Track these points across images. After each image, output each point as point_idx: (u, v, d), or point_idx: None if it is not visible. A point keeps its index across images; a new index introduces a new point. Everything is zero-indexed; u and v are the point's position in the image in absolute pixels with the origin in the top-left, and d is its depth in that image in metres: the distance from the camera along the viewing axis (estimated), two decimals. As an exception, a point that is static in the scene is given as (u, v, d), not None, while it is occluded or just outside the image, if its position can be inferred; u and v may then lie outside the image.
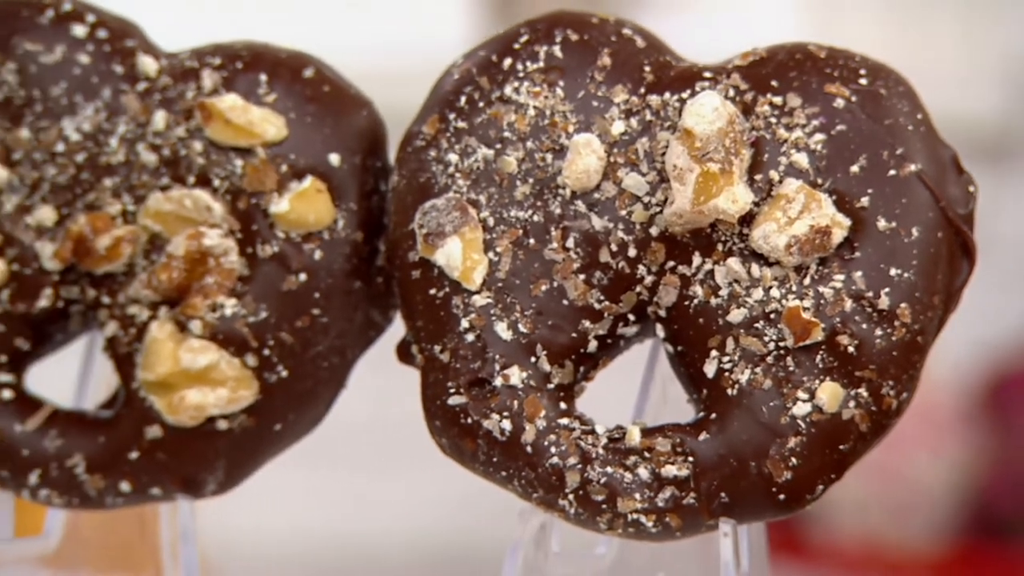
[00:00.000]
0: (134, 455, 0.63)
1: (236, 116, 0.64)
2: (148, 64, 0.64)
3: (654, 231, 0.60)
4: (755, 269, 0.59)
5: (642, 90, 0.60)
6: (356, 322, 0.64)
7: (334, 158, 0.63)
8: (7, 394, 0.64)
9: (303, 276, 0.63)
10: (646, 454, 0.60)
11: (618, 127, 0.60)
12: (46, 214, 0.64)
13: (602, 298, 0.60)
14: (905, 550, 1.69)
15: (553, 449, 0.60)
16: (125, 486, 0.64)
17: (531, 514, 0.63)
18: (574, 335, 0.60)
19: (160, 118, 0.64)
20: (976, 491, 1.70)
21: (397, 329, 0.63)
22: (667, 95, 0.60)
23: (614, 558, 0.64)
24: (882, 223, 0.58)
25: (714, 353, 0.59)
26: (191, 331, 0.63)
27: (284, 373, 0.63)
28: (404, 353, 0.63)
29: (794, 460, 0.59)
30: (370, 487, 1.70)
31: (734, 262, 0.59)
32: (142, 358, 0.63)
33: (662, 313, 0.60)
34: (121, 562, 0.68)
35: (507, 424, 0.60)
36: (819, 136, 0.59)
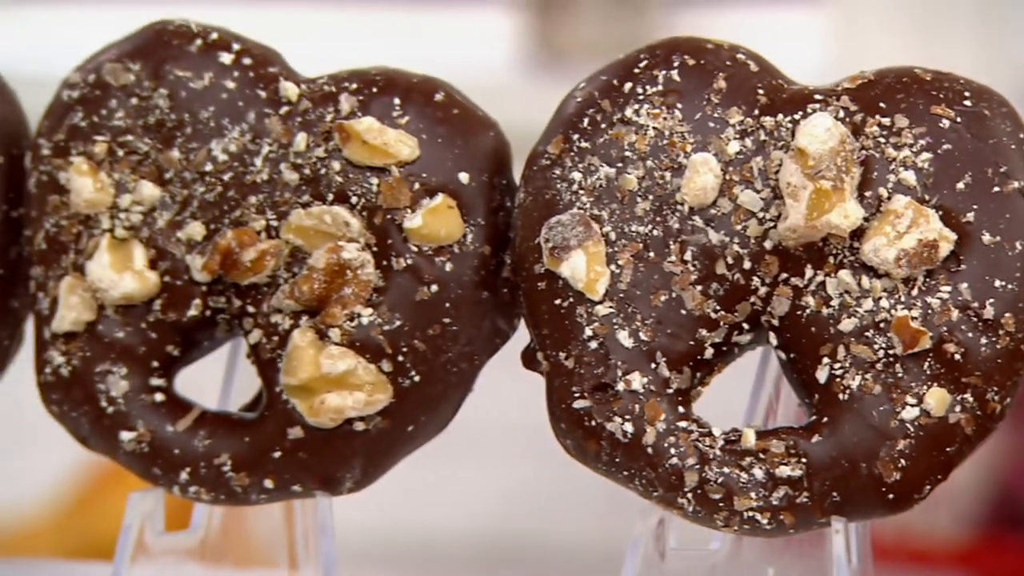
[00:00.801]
0: (277, 454, 0.62)
1: (372, 137, 0.63)
2: (290, 89, 0.63)
3: (768, 245, 0.58)
4: (865, 281, 0.57)
5: (756, 112, 0.59)
6: (484, 330, 0.62)
7: (463, 176, 0.61)
8: (159, 397, 0.62)
9: (435, 287, 0.61)
10: (761, 455, 0.59)
11: (733, 147, 0.59)
12: (196, 229, 0.62)
13: (718, 308, 0.59)
14: (931, 540, 1.66)
15: (673, 450, 0.58)
16: (269, 483, 0.62)
17: (650, 512, 0.62)
18: (692, 343, 0.59)
19: (301, 140, 0.62)
20: (1001, 482, 1.68)
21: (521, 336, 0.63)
22: (780, 116, 0.58)
23: (727, 553, 0.63)
24: (987, 237, 0.57)
25: (826, 360, 0.58)
26: (330, 339, 0.61)
27: (417, 378, 0.61)
28: (529, 359, 0.62)
29: (903, 461, 0.57)
30: (452, 480, 1.68)
31: (845, 274, 0.57)
32: (285, 364, 0.61)
33: (775, 322, 0.58)
34: (260, 556, 0.68)
35: (629, 427, 0.59)
36: (926, 155, 0.57)
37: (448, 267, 0.62)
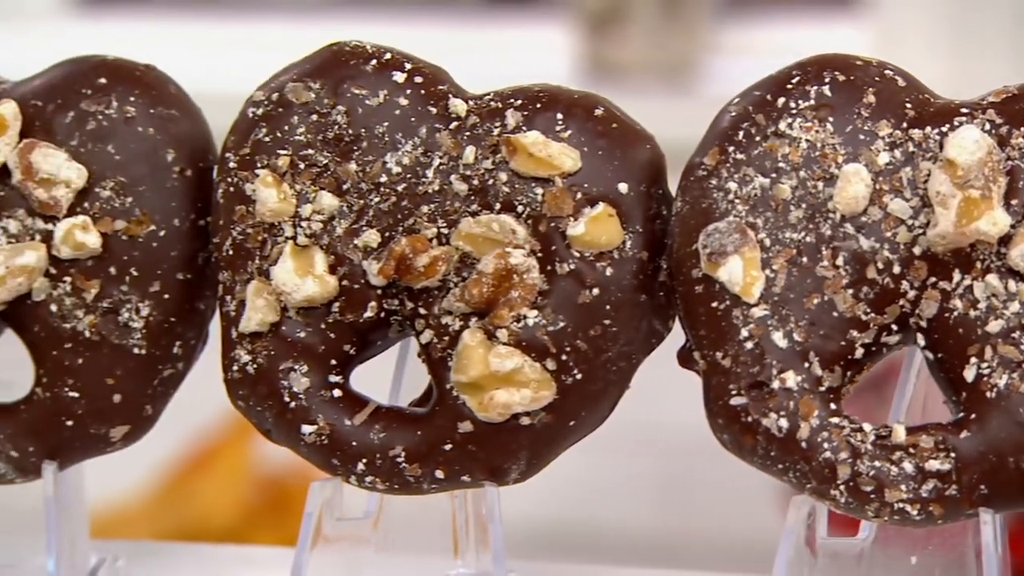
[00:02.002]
0: (448, 447, 0.58)
1: (538, 150, 0.60)
2: (459, 105, 0.60)
3: (917, 250, 0.55)
4: (1012, 285, 0.54)
5: (904, 124, 0.55)
6: (641, 331, 0.59)
7: (623, 187, 0.58)
8: (337, 393, 0.59)
9: (596, 290, 0.58)
10: (911, 450, 0.55)
11: (883, 158, 0.55)
12: (371, 237, 0.60)
13: (868, 310, 0.55)
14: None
15: (826, 445, 0.55)
16: (440, 474, 0.59)
17: (802, 503, 0.59)
18: (843, 343, 0.55)
19: (470, 153, 0.59)
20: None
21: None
22: (928, 129, 0.55)
23: (873, 542, 0.60)
24: None
25: (973, 360, 0.54)
26: (498, 339, 0.58)
27: (579, 376, 0.58)
28: (685, 359, 0.60)
29: (1051, 456, 0.55)
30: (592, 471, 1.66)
31: (992, 278, 0.54)
32: (455, 362, 0.58)
33: (923, 324, 0.55)
34: (428, 541, 0.65)
35: (784, 422, 0.55)
36: (1071, 165, 0.54)
37: (608, 272, 0.59)
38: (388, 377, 0.63)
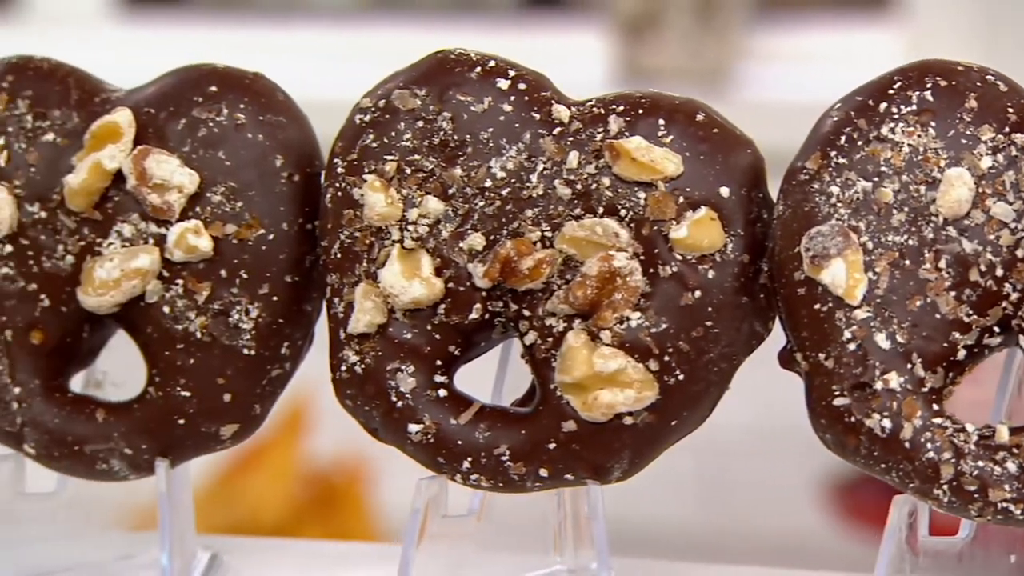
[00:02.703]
0: (552, 445, 0.56)
1: (641, 155, 0.58)
2: (562, 111, 0.57)
3: (1020, 253, 0.52)
4: (1117, 287, 0.53)
5: (1007, 129, 0.52)
6: (742, 332, 0.56)
7: (724, 190, 0.55)
8: (442, 393, 0.57)
9: (698, 293, 0.56)
10: (1014, 450, 0.51)
11: (986, 162, 0.52)
12: (476, 240, 0.57)
13: (971, 312, 0.52)
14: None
15: (929, 445, 0.52)
16: (544, 472, 0.56)
17: (904, 502, 0.57)
18: (945, 345, 0.52)
19: (573, 158, 0.57)
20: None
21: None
22: (1031, 133, 0.52)
23: (973, 541, 0.58)
24: None
25: (1076, 361, 0.53)
26: (602, 340, 0.55)
27: (681, 376, 0.55)
28: (786, 360, 0.58)
29: None
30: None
31: (1098, 280, 0.52)
32: (559, 363, 0.55)
33: (1026, 325, 0.53)
34: (527, 538, 0.64)
35: (887, 423, 0.52)
36: None
37: (711, 274, 0.57)
38: (483, 377, 0.61)
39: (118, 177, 0.58)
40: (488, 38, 1.81)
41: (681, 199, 0.55)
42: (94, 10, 1.88)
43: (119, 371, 0.62)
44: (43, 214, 0.59)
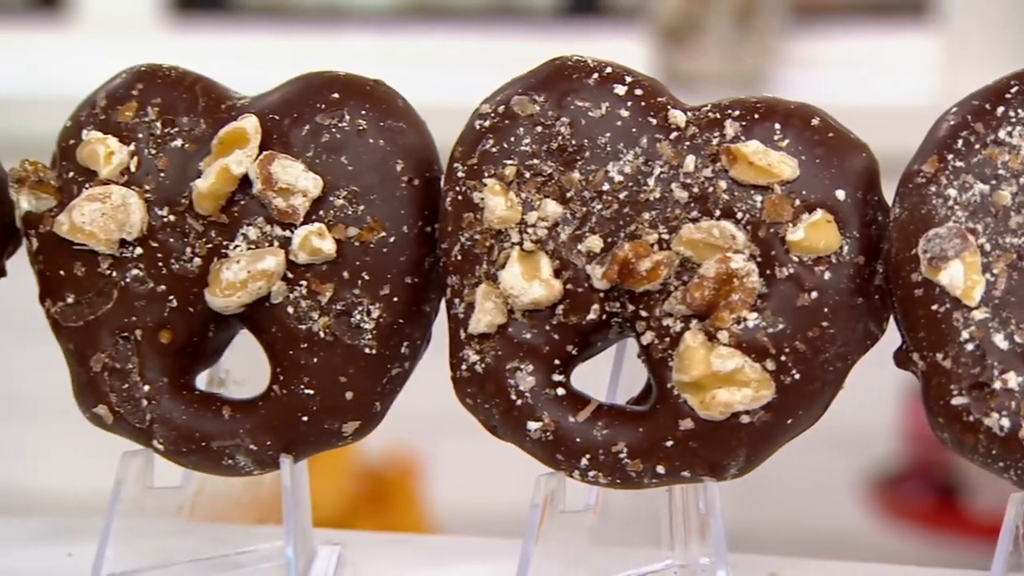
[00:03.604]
0: (670, 443, 0.54)
1: (758, 159, 0.56)
2: (678, 116, 0.56)
3: None
4: None
5: None
6: (857, 332, 0.54)
7: (840, 193, 0.53)
8: (560, 391, 0.54)
9: (814, 294, 0.54)
10: None
11: None
12: (595, 242, 0.55)
13: None
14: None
15: None
16: (661, 469, 0.54)
17: (1021, 500, 0.54)
18: None
19: (690, 162, 0.55)
20: None
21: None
22: None
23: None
24: None
25: None
26: (719, 340, 0.53)
27: (797, 376, 0.53)
28: (902, 360, 0.55)
29: None
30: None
31: None
32: (677, 362, 0.53)
33: None
34: (640, 533, 0.61)
35: (1006, 421, 0.50)
36: None
37: (827, 276, 0.54)
38: (595, 377, 0.59)
39: (244, 181, 0.56)
40: (528, 44, 1.78)
41: (797, 202, 0.53)
42: (142, 16, 1.86)
43: (240, 369, 0.60)
44: (172, 218, 0.57)
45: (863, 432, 1.63)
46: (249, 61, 1.76)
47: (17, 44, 1.87)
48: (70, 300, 0.57)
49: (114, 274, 0.57)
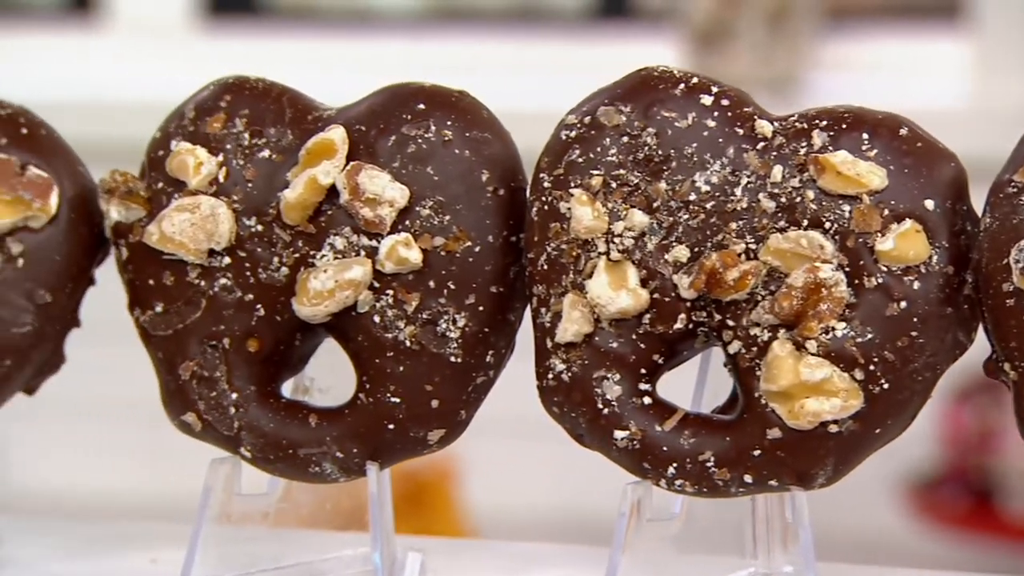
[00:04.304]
0: (757, 452, 0.52)
1: (847, 169, 0.54)
2: (765, 126, 0.54)
3: None
4: None
5: None
6: (946, 342, 0.53)
7: (929, 203, 0.51)
8: (647, 400, 0.53)
9: (903, 303, 0.52)
10: None
11: None
12: (681, 252, 0.54)
13: None
14: None
15: None
16: (748, 478, 0.52)
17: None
18: None
19: (777, 171, 0.53)
20: None
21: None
22: None
23: None
24: None
25: None
26: (807, 349, 0.52)
27: (886, 386, 0.51)
28: (992, 369, 0.54)
29: None
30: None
31: None
32: (764, 372, 0.52)
33: None
34: (723, 541, 0.61)
35: None
36: None
37: (916, 285, 0.53)
38: (676, 386, 0.58)
39: (331, 192, 0.55)
40: (556, 47, 1.76)
41: (886, 212, 0.52)
42: (174, 19, 1.85)
43: (324, 377, 0.60)
44: (259, 228, 0.56)
45: (900, 436, 1.62)
46: (279, 64, 1.75)
47: (49, 47, 1.86)
48: (159, 309, 0.57)
49: (203, 283, 0.56)
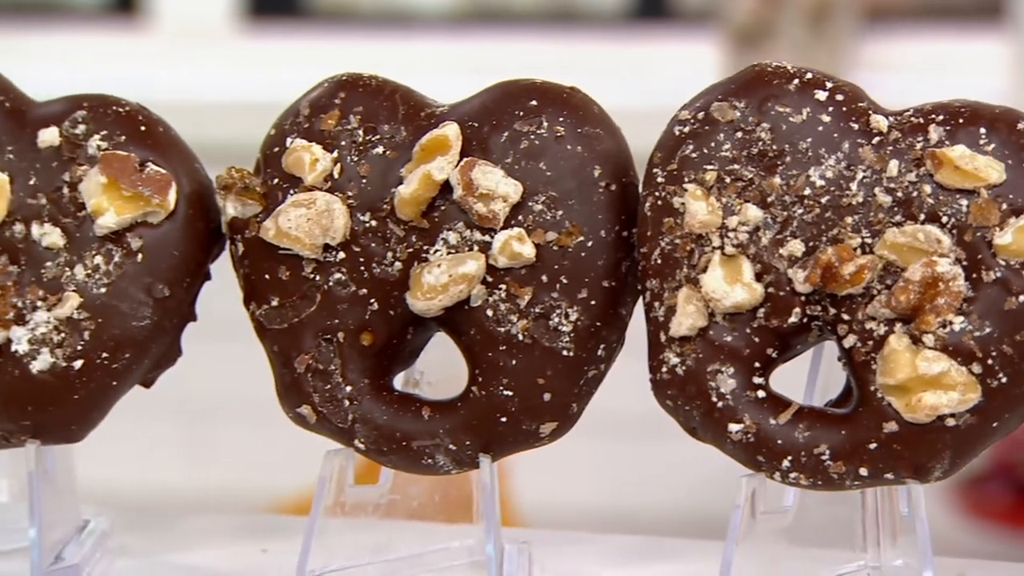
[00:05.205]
0: (873, 446, 0.51)
1: (964, 163, 0.53)
2: (880, 121, 0.53)
3: None
4: None
5: None
6: (1062, 336, 0.54)
7: None
8: (761, 393, 0.52)
9: (1022, 298, 0.52)
10: None
11: None
12: (796, 247, 0.53)
13: None
14: None
15: None
16: (864, 471, 0.51)
17: None
18: None
19: (893, 166, 0.52)
20: None
21: None
22: None
23: None
24: None
25: None
26: (924, 343, 0.50)
27: (1004, 379, 0.49)
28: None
29: None
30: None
31: None
32: (881, 366, 0.50)
33: None
34: (835, 534, 0.60)
35: None
36: None
37: (1034, 279, 0.53)
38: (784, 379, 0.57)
39: (445, 187, 0.55)
40: (599, 49, 1.74)
41: (1004, 206, 0.51)
42: (217, 21, 1.84)
43: (433, 371, 0.59)
44: (373, 223, 0.55)
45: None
46: (320, 65, 1.74)
47: (93, 49, 1.86)
48: (274, 303, 0.56)
49: (318, 278, 0.55)
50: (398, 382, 0.57)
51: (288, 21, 1.88)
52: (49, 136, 0.56)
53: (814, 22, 1.68)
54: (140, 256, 0.55)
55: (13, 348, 0.55)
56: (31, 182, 0.56)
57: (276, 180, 0.55)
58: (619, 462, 1.53)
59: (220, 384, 1.49)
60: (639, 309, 0.55)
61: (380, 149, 0.55)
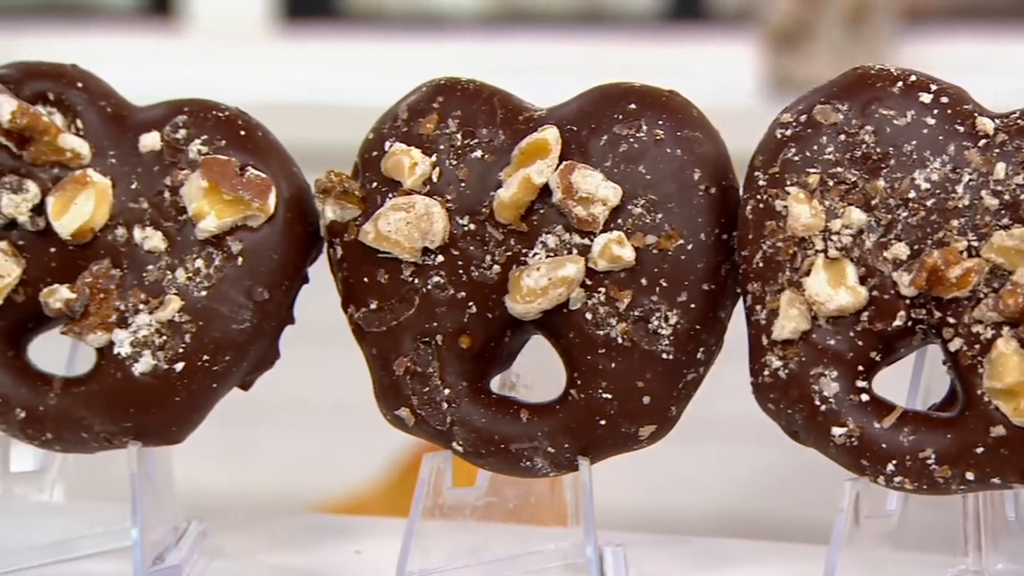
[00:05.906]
0: (980, 450, 0.49)
1: (1074, 165, 0.53)
2: (986, 124, 0.52)
3: None
4: None
5: None
6: None
7: None
8: (864, 397, 0.51)
9: None
10: None
11: None
12: (900, 250, 0.52)
13: None
14: None
15: None
16: (970, 475, 0.50)
17: None
18: None
19: (1000, 169, 0.51)
20: None
21: None
22: None
23: None
24: None
25: None
26: None
27: None
28: None
29: None
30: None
31: None
32: (989, 369, 0.49)
33: None
34: (937, 539, 0.59)
35: None
36: None
37: None
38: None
39: (544, 191, 0.54)
40: (637, 50, 1.72)
41: (1114, 209, 0.50)
42: (253, 22, 1.83)
43: (528, 374, 0.58)
44: (472, 226, 0.54)
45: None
46: (355, 66, 1.73)
47: (129, 50, 1.85)
48: (373, 306, 0.55)
49: (416, 281, 0.55)
50: (494, 385, 0.56)
51: (322, 22, 1.87)
52: (150, 141, 0.55)
53: (852, 23, 1.67)
54: (240, 259, 0.54)
55: (115, 351, 0.54)
56: (133, 186, 0.55)
57: (375, 184, 0.55)
58: (715, 465, 1.49)
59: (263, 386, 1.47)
60: (738, 311, 0.54)
61: (479, 153, 0.54)
